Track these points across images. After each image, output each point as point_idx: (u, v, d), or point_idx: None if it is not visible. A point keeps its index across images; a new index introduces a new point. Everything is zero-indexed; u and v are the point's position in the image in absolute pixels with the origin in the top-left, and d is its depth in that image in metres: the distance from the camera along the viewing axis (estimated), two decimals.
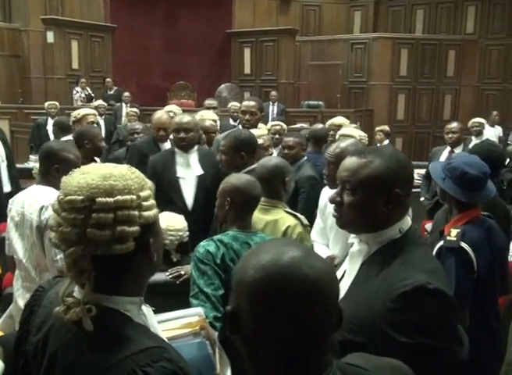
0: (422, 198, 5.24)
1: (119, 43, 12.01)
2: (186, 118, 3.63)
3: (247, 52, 12.46)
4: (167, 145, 4.31)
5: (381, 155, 1.50)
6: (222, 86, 11.63)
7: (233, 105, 7.93)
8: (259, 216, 2.61)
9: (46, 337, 1.14)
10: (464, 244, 2.28)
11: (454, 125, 5.29)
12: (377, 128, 7.81)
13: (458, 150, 5.04)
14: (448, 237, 2.31)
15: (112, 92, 10.92)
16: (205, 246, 2.20)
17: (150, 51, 12.44)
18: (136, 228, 1.09)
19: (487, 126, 9.26)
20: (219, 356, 1.76)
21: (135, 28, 12.20)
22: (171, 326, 1.64)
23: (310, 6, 13.66)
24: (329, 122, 5.21)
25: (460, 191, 2.39)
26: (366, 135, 4.03)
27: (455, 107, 12.42)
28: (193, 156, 3.59)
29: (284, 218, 2.67)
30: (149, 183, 1.18)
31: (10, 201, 2.78)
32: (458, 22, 12.88)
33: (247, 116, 4.15)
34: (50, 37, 10.86)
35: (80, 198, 1.07)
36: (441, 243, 2.34)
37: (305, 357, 0.91)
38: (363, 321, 1.31)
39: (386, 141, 7.79)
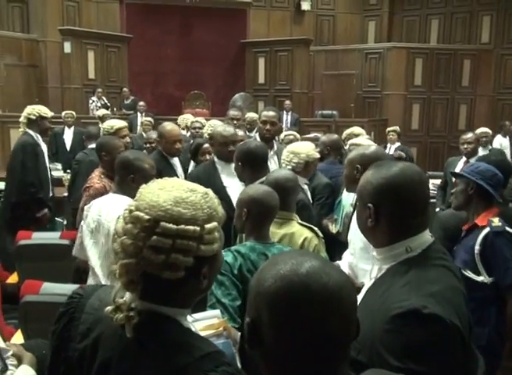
0: (437, 209, 5.20)
1: (134, 53, 12.12)
2: (232, 129, 3.72)
3: (261, 62, 12.51)
4: (176, 159, 4.27)
5: (377, 167, 1.50)
6: (237, 95, 11.68)
7: (250, 116, 7.49)
8: (273, 230, 2.59)
9: (95, 344, 1.15)
10: (508, 228, 2.60)
11: (470, 135, 5.28)
12: (389, 128, 7.79)
13: (473, 160, 5.01)
14: (493, 224, 2.59)
15: (128, 102, 11.01)
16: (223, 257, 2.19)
17: (165, 61, 12.53)
18: (190, 259, 1.09)
19: (500, 136, 9.22)
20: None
21: (150, 38, 12.30)
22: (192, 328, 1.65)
23: (324, 16, 13.70)
24: (348, 131, 5.14)
25: (493, 190, 2.68)
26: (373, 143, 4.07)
27: (470, 117, 12.34)
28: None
29: (300, 231, 2.66)
30: (220, 212, 1.17)
31: (86, 207, 2.86)
32: (473, 31, 12.83)
33: (268, 126, 4.11)
34: (67, 47, 10.99)
35: (147, 217, 1.08)
36: (487, 230, 2.58)
37: (327, 368, 0.91)
38: (365, 340, 1.28)
39: (398, 143, 7.79)
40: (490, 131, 6.96)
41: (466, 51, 12.36)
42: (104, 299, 1.19)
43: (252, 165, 3.19)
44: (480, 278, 2.54)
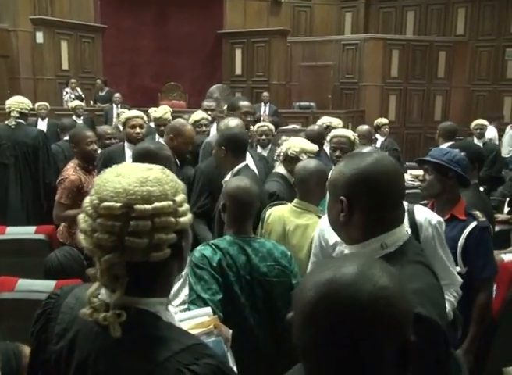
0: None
1: (109, 43, 11.93)
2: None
3: (238, 53, 12.44)
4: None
5: (349, 158, 1.44)
6: (214, 87, 11.60)
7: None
8: (290, 218, 2.62)
9: (72, 344, 1.11)
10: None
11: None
12: (383, 121, 7.77)
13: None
14: (480, 219, 2.60)
15: (103, 93, 10.85)
16: (201, 250, 2.16)
17: (140, 52, 12.37)
18: (173, 235, 1.07)
19: (492, 128, 9.33)
20: (230, 354, 1.75)
21: (125, 29, 12.13)
22: (183, 327, 1.61)
23: (301, 7, 13.67)
24: (325, 123, 5.13)
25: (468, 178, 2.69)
26: (357, 135, 4.12)
27: (446, 108, 12.48)
28: (249, 161, 3.58)
29: (315, 223, 2.61)
30: (181, 185, 1.15)
31: None
32: (448, 23, 12.95)
33: (249, 117, 4.05)
34: (39, 37, 10.77)
35: (118, 204, 1.04)
36: (474, 224, 2.59)
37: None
38: None
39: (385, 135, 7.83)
40: (486, 123, 6.95)
41: (441, 42, 12.48)
42: (80, 297, 1.14)
43: (235, 150, 3.17)
44: (457, 269, 2.56)
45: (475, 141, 6.59)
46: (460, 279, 2.23)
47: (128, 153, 4.09)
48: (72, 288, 1.23)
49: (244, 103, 4.09)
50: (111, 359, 1.05)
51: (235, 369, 1.73)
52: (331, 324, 0.83)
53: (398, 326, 0.84)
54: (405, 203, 1.79)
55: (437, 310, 1.23)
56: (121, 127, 4.57)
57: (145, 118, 4.41)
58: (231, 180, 2.44)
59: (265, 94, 10.58)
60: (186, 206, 1.12)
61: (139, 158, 2.69)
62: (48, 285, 2.45)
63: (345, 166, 1.38)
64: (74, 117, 8.30)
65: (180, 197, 1.11)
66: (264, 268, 2.17)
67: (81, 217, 1.08)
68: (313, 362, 0.87)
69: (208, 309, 1.77)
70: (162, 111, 4.94)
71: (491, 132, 9.25)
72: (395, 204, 1.36)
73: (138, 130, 4.18)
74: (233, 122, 3.64)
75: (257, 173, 3.60)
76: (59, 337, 1.14)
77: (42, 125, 8.02)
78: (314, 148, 3.49)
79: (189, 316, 1.70)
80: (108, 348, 1.05)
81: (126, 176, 1.08)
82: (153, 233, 1.04)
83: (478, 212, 2.65)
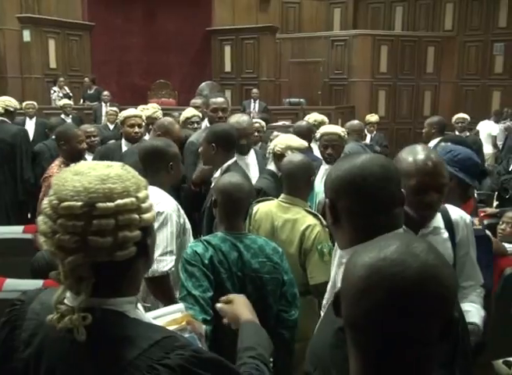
0: None
1: (97, 41, 11.84)
2: (245, 122, 3.63)
3: (227, 50, 12.39)
4: None
5: (342, 159, 1.43)
6: (203, 84, 11.54)
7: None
8: (278, 213, 2.61)
9: (39, 351, 1.08)
10: (487, 232, 2.51)
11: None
12: (372, 120, 7.81)
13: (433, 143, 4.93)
14: (474, 227, 2.34)
15: (92, 92, 10.76)
16: (193, 247, 2.14)
17: (129, 50, 12.30)
18: (137, 232, 1.05)
19: (491, 122, 9.39)
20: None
21: (113, 26, 12.05)
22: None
23: (289, 4, 13.65)
24: (312, 119, 5.15)
25: (473, 181, 2.51)
26: (346, 131, 4.12)
27: (434, 103, 12.53)
28: (252, 159, 3.54)
29: (304, 217, 2.64)
30: (143, 181, 1.12)
31: None
32: (437, 19, 12.99)
33: (220, 113, 3.91)
34: (26, 35, 10.67)
35: (79, 204, 1.00)
36: None
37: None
38: (321, 355, 1.20)
39: (375, 132, 7.87)
40: (468, 117, 7.01)
41: (430, 38, 12.52)
42: (45, 302, 1.11)
43: (226, 147, 3.15)
44: None
45: (457, 134, 6.62)
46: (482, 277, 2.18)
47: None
48: (37, 293, 1.20)
49: (214, 99, 4.01)
50: (78, 365, 1.02)
51: None
52: (384, 297, 0.83)
53: (446, 302, 0.85)
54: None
55: None
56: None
57: (143, 117, 4.39)
58: (223, 176, 2.43)
59: (255, 90, 10.56)
60: (149, 202, 1.10)
61: (147, 155, 2.66)
62: (36, 284, 2.41)
63: (334, 168, 1.36)
64: (63, 116, 8.23)
65: (143, 193, 1.09)
66: (255, 264, 2.16)
67: (40, 219, 1.04)
68: (362, 335, 0.87)
69: (181, 306, 1.74)
70: (152, 110, 4.93)
71: (495, 129, 9.35)
72: (383, 209, 1.28)
73: (137, 129, 4.19)
74: (243, 118, 3.64)
75: (257, 170, 3.60)
76: (26, 345, 1.11)
77: (30, 124, 7.93)
78: (302, 144, 3.48)
79: (161, 313, 1.68)
80: (76, 352, 1.02)
81: (86, 175, 1.04)
82: (117, 231, 1.01)
83: (474, 220, 2.45)
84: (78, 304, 1.02)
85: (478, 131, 9.41)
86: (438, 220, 1.98)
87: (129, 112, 4.38)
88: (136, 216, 1.05)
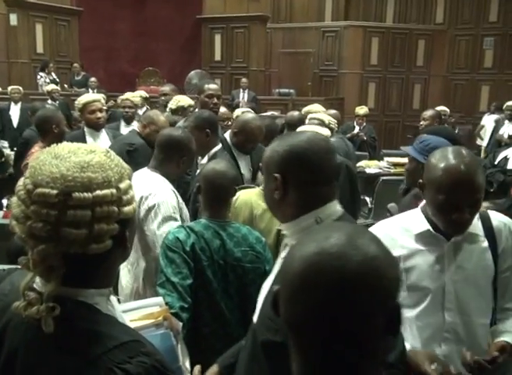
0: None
1: (85, 27, 11.67)
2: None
3: (217, 39, 12.29)
4: None
5: (282, 137, 1.46)
6: (192, 72, 11.46)
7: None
8: (257, 202, 2.58)
9: (1, 334, 1.04)
10: None
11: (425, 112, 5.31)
12: (361, 112, 7.81)
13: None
14: None
15: (79, 78, 10.64)
16: (175, 233, 2.12)
17: (118, 36, 12.13)
18: (115, 226, 0.99)
19: (495, 116, 9.34)
20: (181, 347, 1.70)
21: (102, 12, 11.85)
22: (131, 317, 1.55)
23: None
24: (306, 109, 5.17)
25: None
26: (336, 121, 4.16)
27: (424, 96, 12.54)
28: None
29: None
30: (127, 170, 1.06)
31: None
32: (428, 11, 12.96)
33: (215, 100, 3.88)
34: (13, 19, 10.51)
35: (54, 192, 0.94)
36: None
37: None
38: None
39: (364, 123, 7.89)
40: (448, 110, 7.09)
41: (421, 31, 12.51)
42: (15, 284, 1.06)
43: (216, 131, 3.27)
44: None
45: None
46: None
47: (89, 140, 3.97)
48: (9, 272, 1.15)
49: (210, 86, 3.95)
50: (41, 354, 0.98)
51: (187, 361, 1.68)
52: (321, 296, 0.79)
53: (389, 294, 0.82)
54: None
55: None
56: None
57: (103, 101, 4.28)
58: (208, 163, 2.43)
59: (244, 80, 10.50)
60: (131, 194, 1.04)
61: (167, 142, 2.63)
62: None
63: (278, 145, 1.40)
64: (50, 101, 8.13)
65: (125, 183, 1.03)
66: (238, 253, 2.14)
67: (14, 201, 0.99)
68: (303, 336, 0.83)
69: (160, 299, 1.72)
70: (131, 93, 4.93)
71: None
72: (327, 179, 1.38)
73: (99, 114, 4.00)
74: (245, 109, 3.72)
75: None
76: None
77: (15, 109, 7.85)
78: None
79: (138, 305, 1.65)
80: (39, 341, 0.98)
81: (65, 159, 0.98)
82: (93, 223, 0.96)
83: None
84: (47, 293, 0.97)
85: (483, 126, 9.28)
86: (475, 226, 1.74)
87: (87, 97, 4.17)
88: (116, 209, 0.99)
